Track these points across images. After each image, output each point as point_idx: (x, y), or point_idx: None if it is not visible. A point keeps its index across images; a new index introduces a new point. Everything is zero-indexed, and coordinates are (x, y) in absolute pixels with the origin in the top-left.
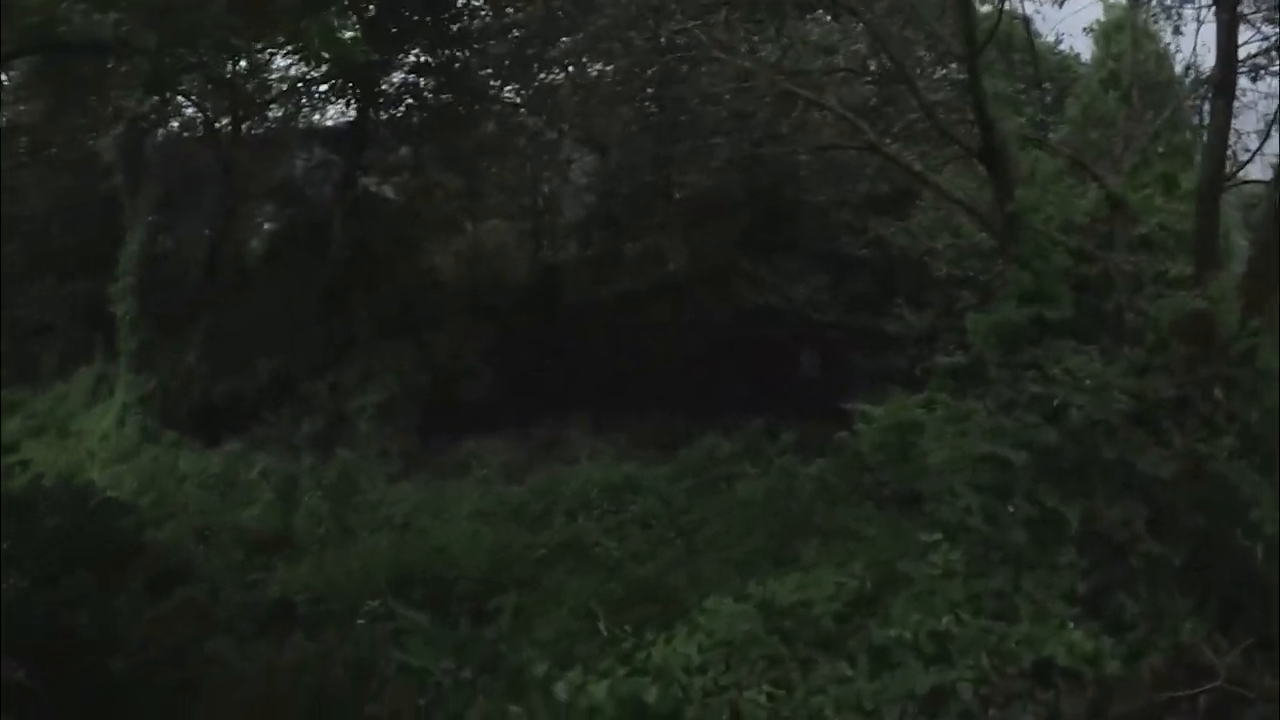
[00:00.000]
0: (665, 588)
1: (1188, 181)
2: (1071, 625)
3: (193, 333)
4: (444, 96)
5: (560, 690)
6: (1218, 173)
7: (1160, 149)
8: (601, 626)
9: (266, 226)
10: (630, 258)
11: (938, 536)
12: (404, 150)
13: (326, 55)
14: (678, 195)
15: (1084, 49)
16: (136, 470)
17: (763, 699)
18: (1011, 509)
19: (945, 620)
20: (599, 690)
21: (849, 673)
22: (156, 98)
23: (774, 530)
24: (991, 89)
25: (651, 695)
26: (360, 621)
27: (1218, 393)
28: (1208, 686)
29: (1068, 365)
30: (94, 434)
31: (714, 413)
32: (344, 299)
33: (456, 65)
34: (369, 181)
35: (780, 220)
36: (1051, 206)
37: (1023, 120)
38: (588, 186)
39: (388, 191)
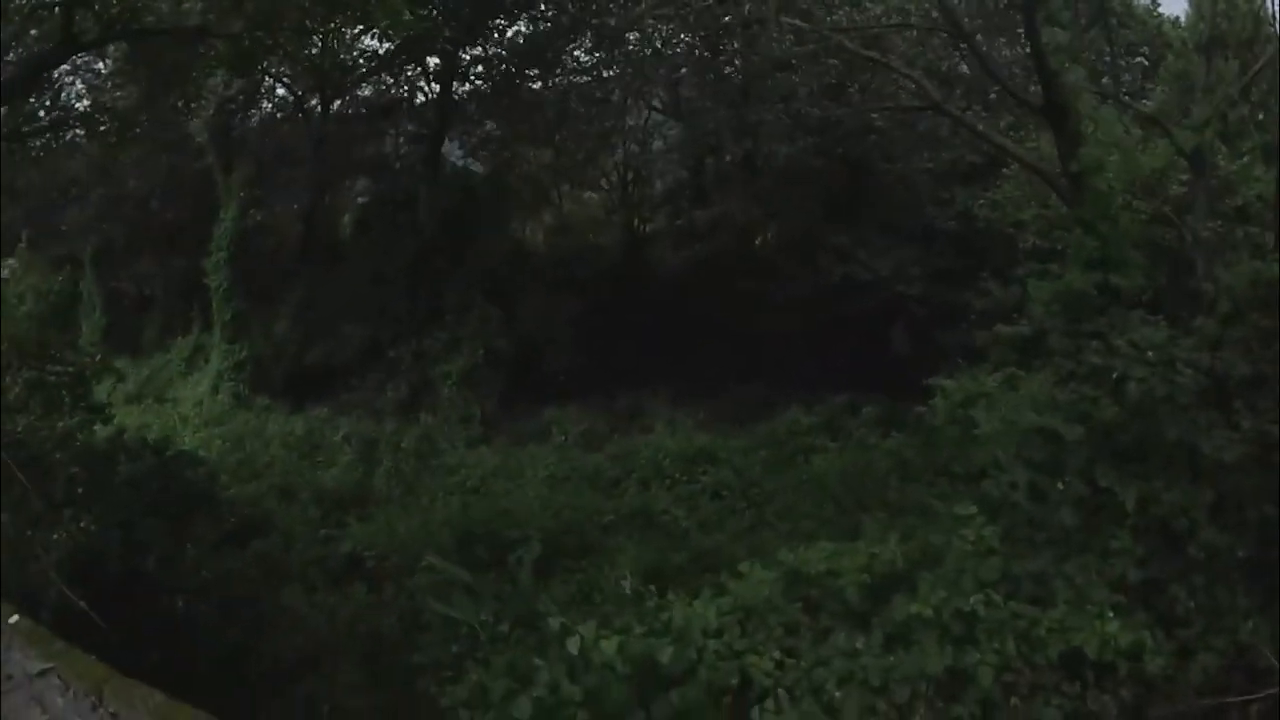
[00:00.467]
0: (728, 557)
1: None
2: (1111, 615)
3: (285, 304)
4: (516, 69)
5: (572, 645)
6: None
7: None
8: (627, 586)
9: (359, 200)
10: (714, 229)
11: (972, 510)
12: (488, 124)
13: (392, 32)
14: (759, 164)
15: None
16: (227, 434)
17: (770, 665)
18: (1061, 486)
19: (974, 600)
20: (610, 646)
21: (859, 646)
22: (243, 79)
23: (846, 504)
24: (1055, 41)
25: (666, 655)
26: (415, 577)
27: None
28: (1263, 694)
29: (1133, 337)
30: (188, 400)
31: (797, 386)
32: (430, 270)
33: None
34: (458, 155)
35: (865, 191)
36: (1117, 164)
37: (1087, 74)
38: (674, 157)
39: (475, 165)
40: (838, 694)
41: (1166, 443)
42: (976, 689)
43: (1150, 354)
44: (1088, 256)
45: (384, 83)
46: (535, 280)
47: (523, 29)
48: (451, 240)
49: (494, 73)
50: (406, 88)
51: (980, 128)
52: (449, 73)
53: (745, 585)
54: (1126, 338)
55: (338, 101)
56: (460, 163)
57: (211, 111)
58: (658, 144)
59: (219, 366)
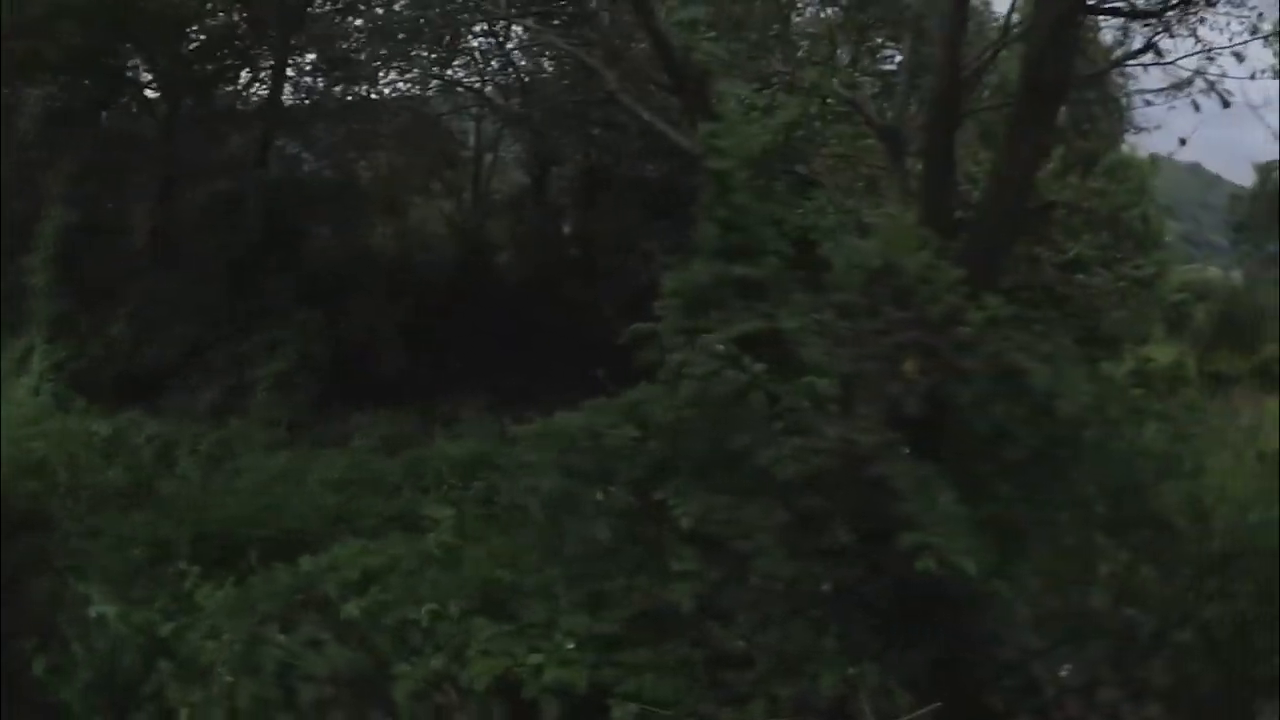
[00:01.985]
0: None
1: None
2: (571, 645)
3: (118, 304)
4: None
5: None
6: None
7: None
8: (183, 565)
9: (192, 202)
10: (551, 236)
11: (449, 513)
12: (323, 127)
13: None
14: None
15: None
16: (43, 435)
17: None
18: (600, 496)
19: (425, 609)
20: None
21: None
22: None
23: None
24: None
25: (166, 630)
26: None
27: (909, 368)
28: None
29: (732, 333)
30: (12, 402)
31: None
32: (255, 272)
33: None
34: (307, 159)
35: (682, 192)
36: (732, 143)
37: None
38: (517, 164)
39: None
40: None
41: (732, 452)
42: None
43: (721, 348)
44: (711, 245)
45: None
46: (368, 285)
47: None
48: (279, 243)
49: (332, 76)
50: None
51: (646, 115)
52: (280, 74)
53: (271, 577)
54: (730, 333)
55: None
56: (316, 168)
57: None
58: (505, 151)
59: (39, 367)
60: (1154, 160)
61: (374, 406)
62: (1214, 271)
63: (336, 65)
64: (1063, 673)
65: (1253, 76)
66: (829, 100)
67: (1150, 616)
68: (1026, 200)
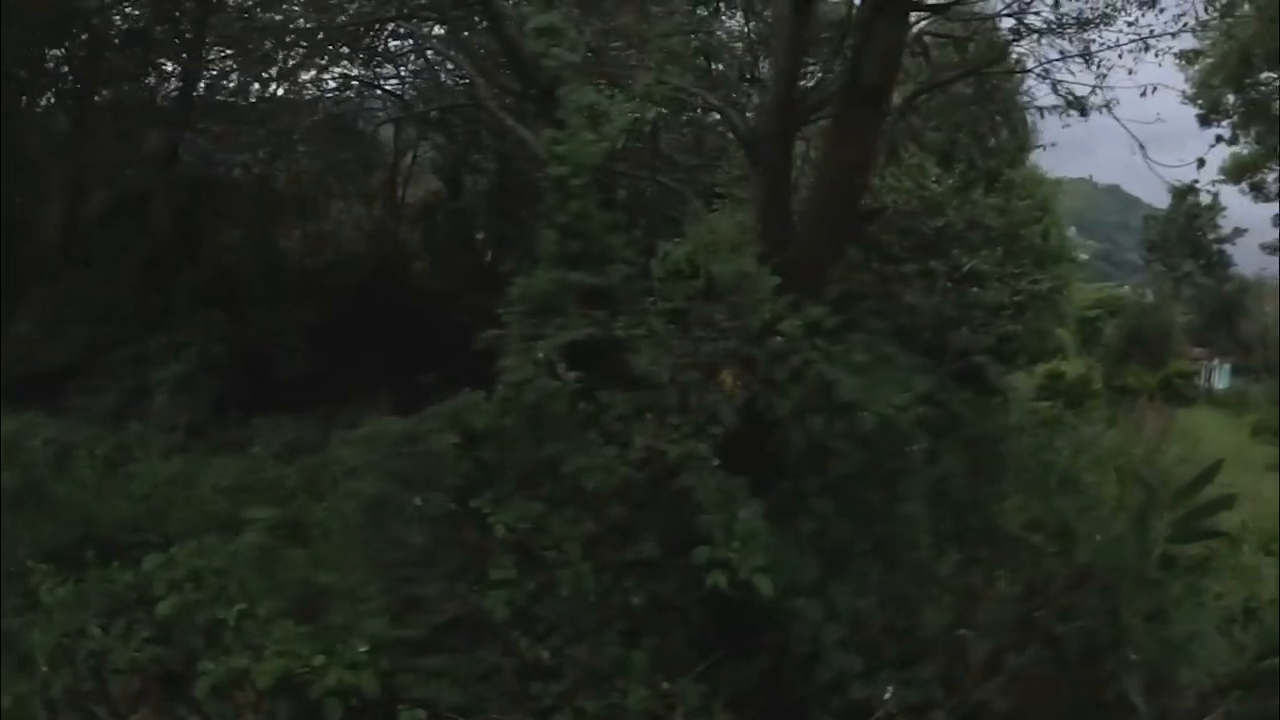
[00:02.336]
0: None
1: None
2: (364, 649)
3: (23, 303)
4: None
5: None
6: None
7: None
8: (30, 563)
9: (101, 200)
10: (460, 243)
11: (268, 514)
12: (239, 129)
13: None
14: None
15: None
16: None
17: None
18: (419, 502)
19: (234, 610)
20: None
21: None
22: None
23: None
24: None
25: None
26: None
27: (725, 379)
28: None
29: (558, 339)
30: None
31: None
32: (161, 273)
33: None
34: (220, 159)
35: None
36: (568, 149)
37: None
38: (435, 170)
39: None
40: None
41: (545, 460)
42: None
43: (540, 355)
44: (551, 252)
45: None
46: (275, 289)
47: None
48: (187, 243)
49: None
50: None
51: (509, 121)
52: (191, 70)
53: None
54: (558, 340)
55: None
56: (228, 168)
57: None
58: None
59: None
60: (1058, 179)
61: (276, 412)
62: (1127, 290)
63: (250, 63)
64: (886, 694)
65: (1143, 93)
66: (686, 104)
67: (986, 638)
68: (854, 207)
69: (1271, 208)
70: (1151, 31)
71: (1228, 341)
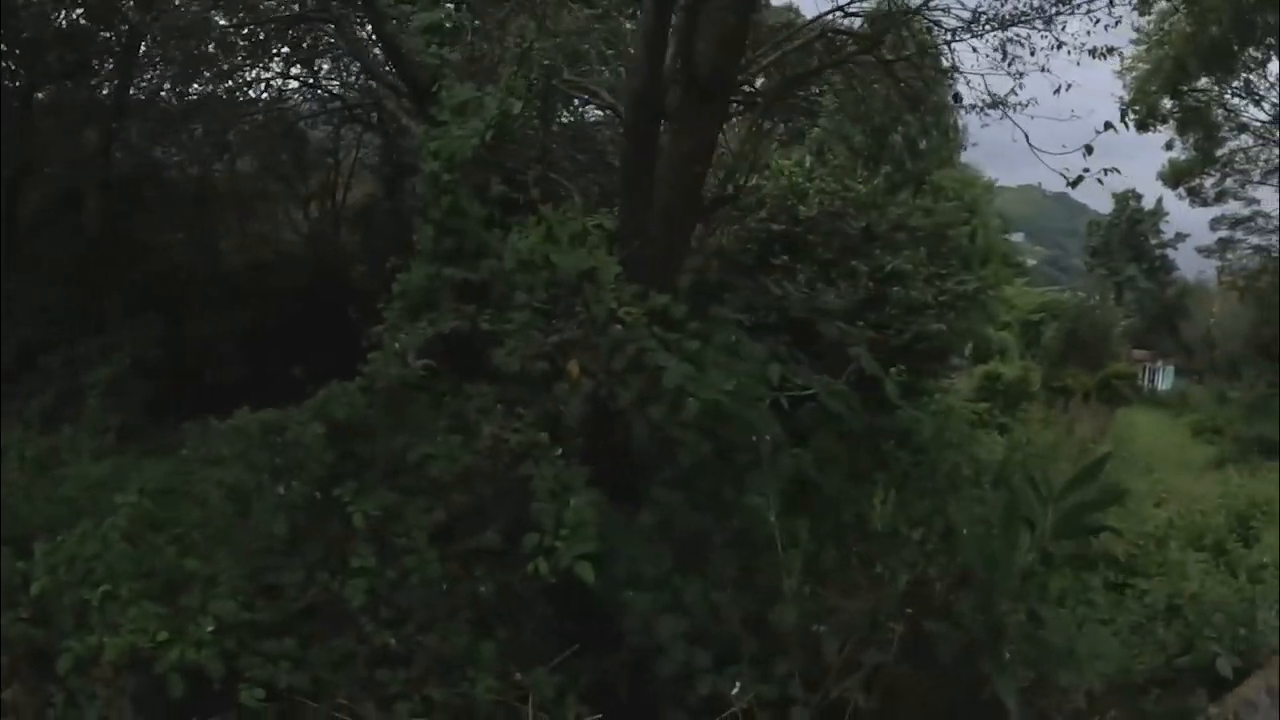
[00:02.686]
0: None
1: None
2: (210, 629)
3: None
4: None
5: None
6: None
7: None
8: None
9: (35, 199)
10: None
11: (131, 500)
12: (177, 128)
13: None
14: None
15: None
16: None
17: None
18: (283, 491)
19: (99, 591)
20: None
21: None
22: None
23: None
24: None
25: None
26: None
27: (571, 369)
28: None
29: (425, 332)
30: None
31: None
32: (95, 273)
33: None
34: (159, 158)
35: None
36: (439, 144)
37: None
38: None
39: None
40: None
41: (397, 450)
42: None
43: (398, 345)
44: (427, 247)
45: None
46: (215, 290)
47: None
48: (123, 243)
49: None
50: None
51: (404, 120)
52: (127, 67)
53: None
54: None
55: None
56: (167, 167)
57: None
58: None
59: None
60: (989, 182)
61: (210, 415)
62: (1072, 294)
63: (185, 62)
64: (734, 689)
65: (1056, 91)
66: (562, 97)
67: (840, 635)
68: (696, 197)
69: (1210, 212)
70: (1063, 27)
71: (1170, 344)
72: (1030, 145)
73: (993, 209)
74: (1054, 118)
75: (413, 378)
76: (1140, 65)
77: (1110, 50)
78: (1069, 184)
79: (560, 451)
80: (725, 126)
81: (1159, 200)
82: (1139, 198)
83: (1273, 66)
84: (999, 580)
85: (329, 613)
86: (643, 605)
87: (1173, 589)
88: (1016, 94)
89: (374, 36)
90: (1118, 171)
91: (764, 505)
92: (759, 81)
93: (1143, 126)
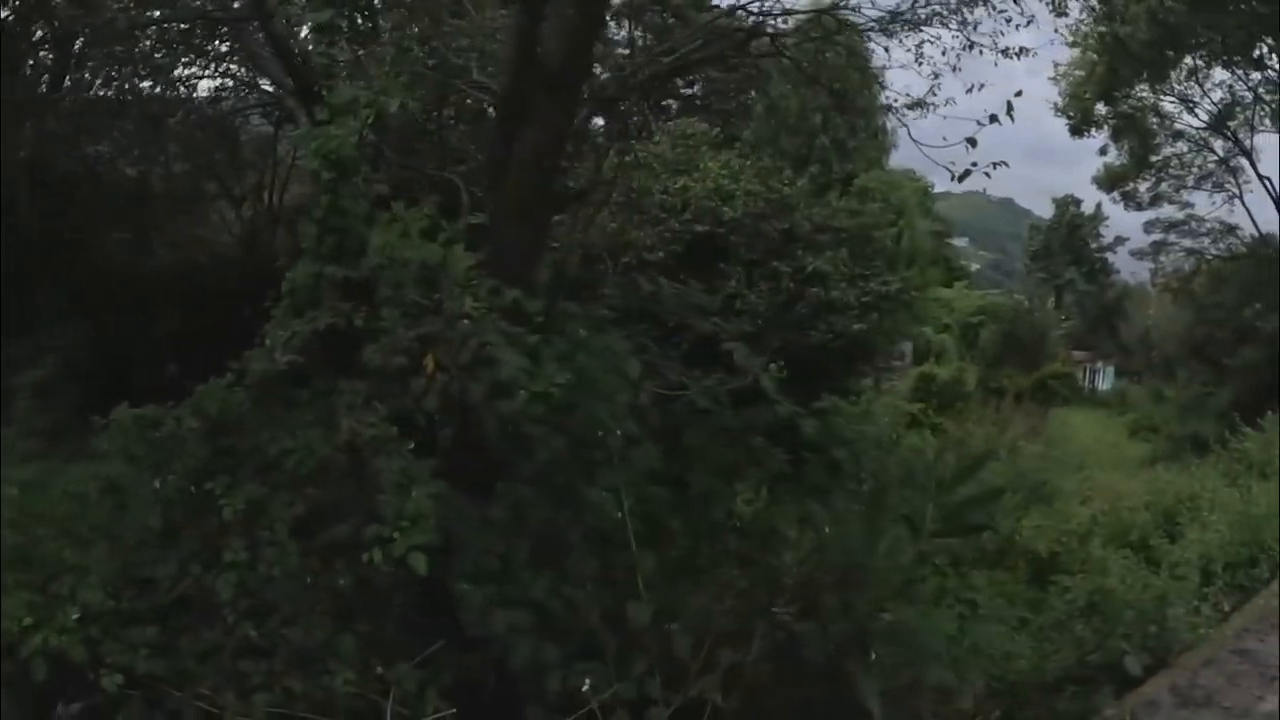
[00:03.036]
0: None
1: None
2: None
3: None
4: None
5: None
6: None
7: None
8: None
9: None
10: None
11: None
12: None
13: None
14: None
15: None
16: None
17: None
18: (158, 485)
19: None
20: None
21: None
22: None
23: None
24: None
25: None
26: None
27: (428, 363)
28: None
29: (296, 329)
30: None
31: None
32: (30, 276)
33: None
34: (92, 157)
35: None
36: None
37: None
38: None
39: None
40: None
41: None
42: None
43: (269, 342)
44: (310, 245)
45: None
46: (148, 290)
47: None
48: (52, 244)
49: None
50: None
51: (304, 120)
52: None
53: None
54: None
55: None
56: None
57: None
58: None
59: None
60: (920, 184)
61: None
62: (1015, 297)
63: (121, 58)
64: (584, 687)
65: (970, 90)
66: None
67: (693, 633)
68: (547, 192)
69: (1145, 215)
70: (975, 27)
71: (1110, 345)
72: (911, 139)
73: (916, 210)
74: (969, 118)
75: (276, 373)
76: (1075, 71)
77: (1023, 50)
78: (954, 178)
79: (412, 445)
80: (660, 131)
81: (1098, 205)
82: (1079, 203)
83: (1213, 74)
84: (865, 579)
85: (201, 605)
86: (479, 598)
87: (1094, 586)
88: (935, 94)
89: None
90: (1006, 165)
91: (611, 501)
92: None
93: (1077, 131)
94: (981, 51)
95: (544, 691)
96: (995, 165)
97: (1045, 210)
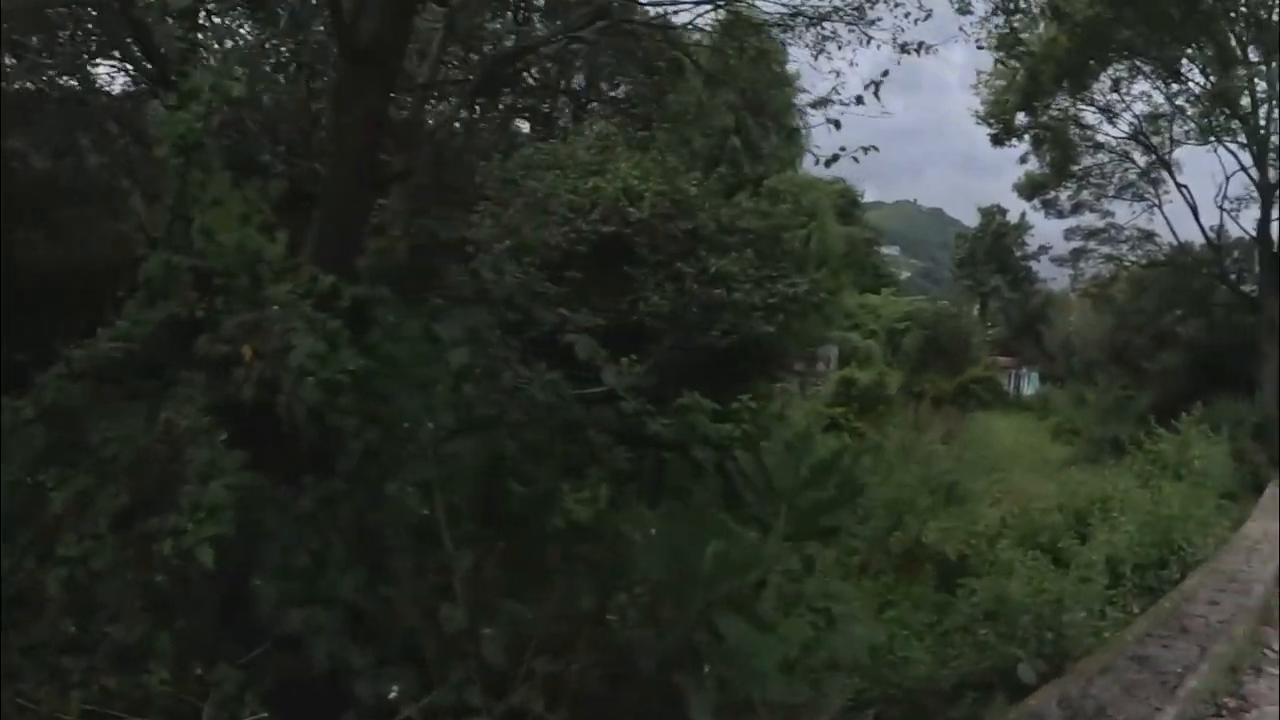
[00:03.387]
0: None
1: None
2: None
3: None
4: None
5: None
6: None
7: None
8: None
9: None
10: None
11: None
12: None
13: None
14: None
15: None
16: None
17: None
18: None
19: None
20: None
21: None
22: None
23: None
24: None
25: None
26: None
27: (246, 352)
28: None
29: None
30: None
31: None
32: None
33: None
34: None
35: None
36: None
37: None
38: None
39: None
40: None
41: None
42: None
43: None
44: (162, 235)
45: None
46: (56, 288)
47: None
48: None
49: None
50: None
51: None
52: None
53: None
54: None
55: None
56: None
57: None
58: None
59: None
60: (835, 185)
61: None
62: (939, 303)
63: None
64: (391, 694)
65: (867, 87)
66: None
67: (502, 640)
68: (363, 172)
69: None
70: (872, 23)
71: (1034, 350)
72: (809, 148)
73: (829, 212)
74: (871, 116)
75: (115, 362)
76: (996, 81)
77: (923, 46)
78: (820, 161)
79: (225, 437)
80: (577, 132)
81: (1023, 214)
82: (1005, 212)
83: (1133, 87)
84: (690, 586)
85: (34, 599)
86: (273, 594)
87: (998, 590)
88: (839, 93)
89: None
90: (876, 149)
91: (421, 497)
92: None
93: (998, 141)
94: (879, 47)
95: (354, 697)
96: (865, 150)
97: (975, 220)
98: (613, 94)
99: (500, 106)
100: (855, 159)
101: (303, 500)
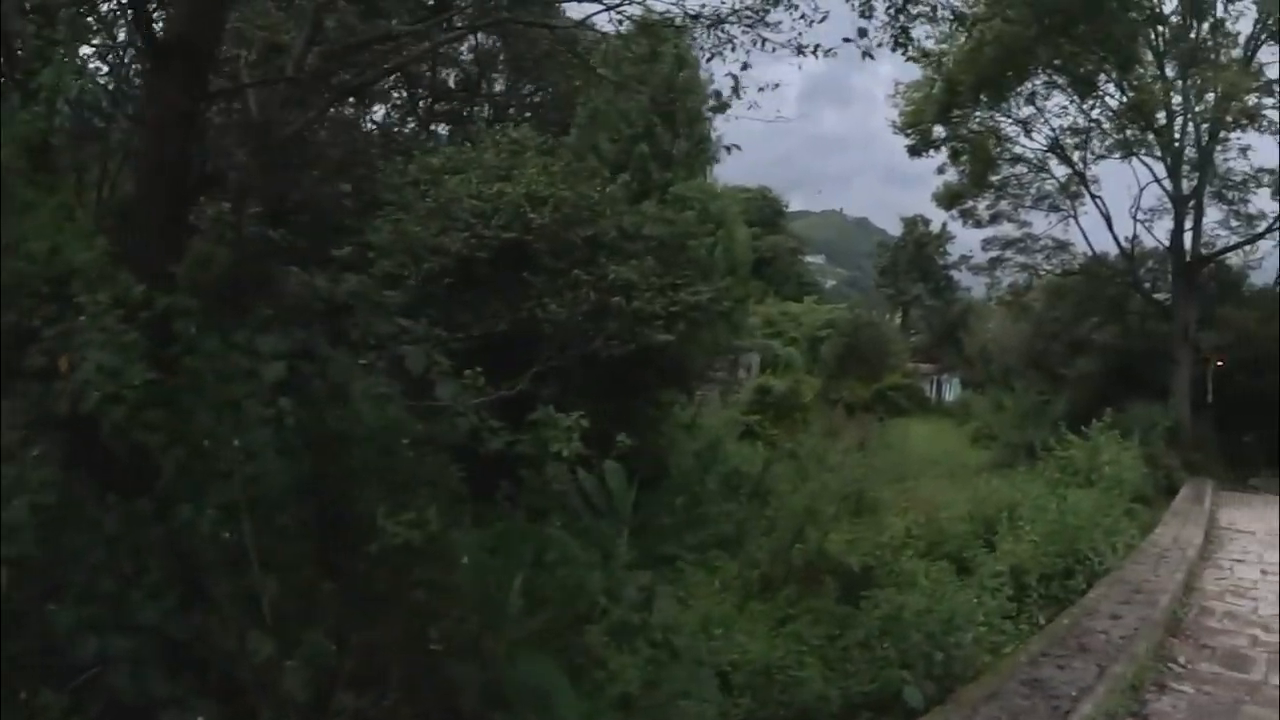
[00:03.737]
0: None
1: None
2: None
3: None
4: None
5: None
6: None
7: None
8: None
9: None
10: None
11: None
12: None
13: None
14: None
15: None
16: None
17: None
18: None
19: None
20: None
21: None
22: None
23: None
24: None
25: None
26: None
27: (63, 364)
28: None
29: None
30: None
31: None
32: None
33: None
34: None
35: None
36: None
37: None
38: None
39: None
40: None
41: None
42: None
43: None
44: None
45: None
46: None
47: None
48: None
49: None
50: None
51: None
52: None
53: None
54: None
55: None
56: None
57: None
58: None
59: None
60: (742, 192)
61: None
62: (856, 310)
63: None
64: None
65: (762, 89)
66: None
67: (306, 670)
68: (173, 174)
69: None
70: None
71: (955, 357)
72: (716, 152)
73: (737, 220)
74: (764, 120)
75: None
76: (914, 93)
77: (819, 48)
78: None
79: (37, 452)
80: (488, 135)
81: (944, 224)
82: (927, 222)
83: (1050, 103)
84: (495, 622)
85: None
86: (66, 619)
87: (902, 600)
88: (740, 95)
89: None
90: (738, 148)
91: (207, 519)
92: None
93: (916, 152)
94: (774, 49)
95: None
96: (728, 149)
97: (899, 229)
98: (531, 98)
99: (419, 108)
100: (726, 149)
101: (109, 520)
